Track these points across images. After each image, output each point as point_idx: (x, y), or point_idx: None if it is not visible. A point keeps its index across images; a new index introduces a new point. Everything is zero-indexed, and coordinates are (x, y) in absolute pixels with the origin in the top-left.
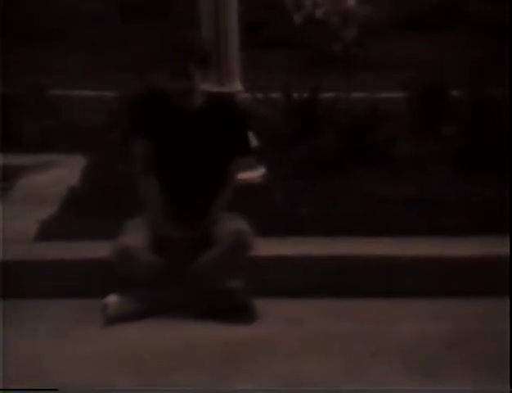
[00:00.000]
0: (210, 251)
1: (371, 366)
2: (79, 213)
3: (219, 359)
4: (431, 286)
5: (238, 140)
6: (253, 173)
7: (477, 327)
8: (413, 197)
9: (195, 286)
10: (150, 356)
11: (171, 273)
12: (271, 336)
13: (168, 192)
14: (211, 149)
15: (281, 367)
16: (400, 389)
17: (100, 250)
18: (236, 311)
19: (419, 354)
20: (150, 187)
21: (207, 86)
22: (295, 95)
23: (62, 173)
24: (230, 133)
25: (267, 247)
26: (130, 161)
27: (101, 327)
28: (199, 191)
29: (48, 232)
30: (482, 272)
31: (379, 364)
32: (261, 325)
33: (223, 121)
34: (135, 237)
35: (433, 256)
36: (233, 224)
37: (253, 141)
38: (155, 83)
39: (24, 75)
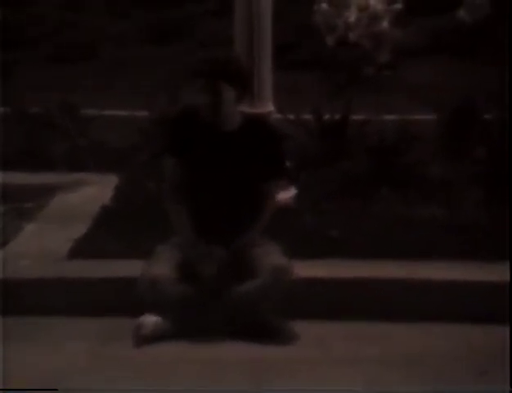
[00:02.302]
0: (250, 283)
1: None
2: (111, 232)
3: (244, 379)
4: (459, 311)
5: (274, 162)
6: (285, 194)
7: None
8: (443, 221)
9: (233, 315)
10: (179, 374)
11: (203, 300)
12: (298, 358)
13: (199, 216)
14: (246, 171)
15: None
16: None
17: (130, 269)
18: (270, 332)
19: (448, 378)
20: (179, 212)
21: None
22: (326, 117)
23: (93, 191)
24: (266, 155)
25: (295, 269)
26: (161, 181)
27: (133, 346)
28: (233, 215)
29: (80, 250)
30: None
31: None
32: (289, 347)
33: (259, 143)
34: (163, 266)
35: (462, 280)
36: (272, 257)
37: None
38: (188, 102)
39: (56, 95)
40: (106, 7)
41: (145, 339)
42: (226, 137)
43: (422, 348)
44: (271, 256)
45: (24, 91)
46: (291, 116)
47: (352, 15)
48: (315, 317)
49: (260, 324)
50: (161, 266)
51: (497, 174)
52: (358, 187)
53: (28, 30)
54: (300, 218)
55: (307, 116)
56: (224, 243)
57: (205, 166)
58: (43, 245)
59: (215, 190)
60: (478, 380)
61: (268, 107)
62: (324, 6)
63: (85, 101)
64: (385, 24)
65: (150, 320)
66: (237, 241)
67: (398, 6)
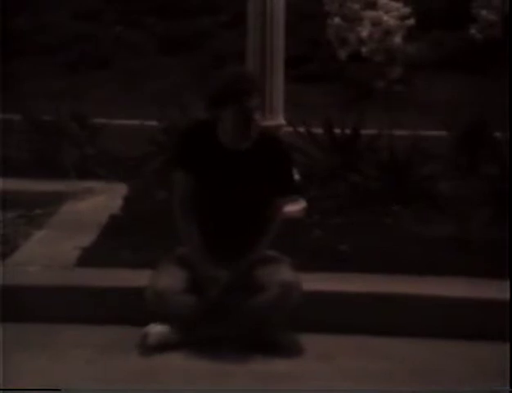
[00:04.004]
0: (257, 299)
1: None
2: (119, 241)
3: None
4: (468, 328)
5: (284, 179)
6: (295, 207)
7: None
8: (453, 237)
9: (240, 329)
10: (185, 382)
11: (209, 313)
12: (304, 372)
13: (208, 230)
14: (257, 188)
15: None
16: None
17: (138, 278)
18: (278, 345)
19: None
20: (188, 226)
21: None
22: (337, 131)
23: (102, 200)
24: (276, 172)
25: (304, 283)
26: (170, 192)
27: (140, 355)
28: (242, 229)
29: (87, 258)
30: None
31: None
32: (296, 360)
33: (270, 160)
34: (171, 277)
35: (471, 298)
36: (281, 273)
37: (295, 175)
38: (197, 113)
39: (67, 104)
40: (120, 17)
41: (150, 348)
42: (239, 154)
43: (428, 364)
44: (279, 271)
45: (35, 99)
46: (302, 129)
47: (364, 30)
48: (322, 330)
49: (266, 337)
50: (168, 277)
51: (508, 192)
52: (368, 201)
53: (40, 39)
54: (309, 231)
55: (318, 130)
56: (232, 259)
57: (216, 182)
58: (52, 252)
59: (225, 205)
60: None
61: (279, 120)
62: (337, 20)
63: (96, 111)
64: (398, 39)
65: (156, 330)
66: (244, 259)
67: (411, 21)
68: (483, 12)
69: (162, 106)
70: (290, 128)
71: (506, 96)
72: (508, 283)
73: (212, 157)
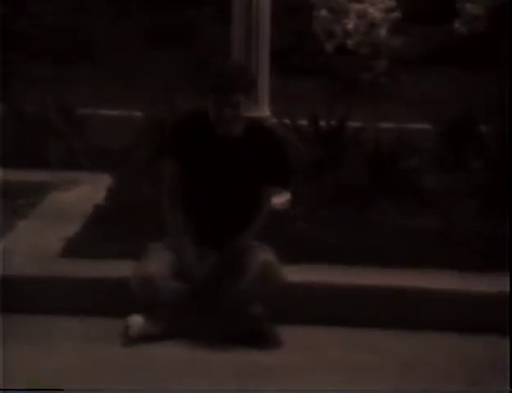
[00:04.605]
0: (237, 282)
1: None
2: (103, 231)
3: (235, 383)
4: (453, 320)
5: (274, 167)
6: (279, 198)
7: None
8: (438, 231)
9: (222, 313)
10: (165, 375)
11: (195, 299)
12: (288, 363)
13: (195, 218)
14: (246, 175)
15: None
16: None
17: (122, 269)
18: (258, 337)
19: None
20: (175, 214)
21: None
22: (322, 123)
23: (87, 191)
24: (266, 159)
25: (289, 274)
26: (156, 182)
27: (121, 346)
28: (229, 218)
29: (72, 249)
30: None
31: None
32: (279, 352)
33: (263, 149)
34: (157, 264)
35: (458, 291)
36: (261, 255)
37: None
38: (185, 104)
39: (53, 94)
40: (106, 8)
41: (131, 339)
42: (230, 142)
43: (416, 357)
44: (259, 253)
45: (21, 90)
46: (287, 121)
47: (350, 23)
48: (307, 322)
49: (250, 328)
50: (157, 263)
51: (494, 186)
52: (353, 194)
53: (27, 30)
54: (294, 223)
55: (304, 122)
56: (219, 246)
57: (206, 170)
58: (35, 242)
59: (213, 192)
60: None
61: (265, 111)
62: (323, 12)
63: (82, 102)
64: (383, 32)
65: (137, 320)
66: (231, 244)
67: (396, 14)
68: (468, 6)
69: (148, 97)
70: (275, 120)
71: (492, 89)
72: (494, 277)
73: (202, 145)
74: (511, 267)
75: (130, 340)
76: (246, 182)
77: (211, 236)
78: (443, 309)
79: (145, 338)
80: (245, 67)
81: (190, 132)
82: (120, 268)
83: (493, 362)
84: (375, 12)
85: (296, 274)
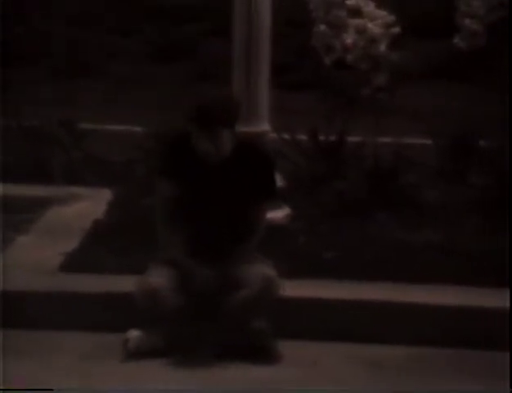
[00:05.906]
0: (238, 295)
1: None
2: (103, 246)
3: None
4: (454, 336)
5: (264, 184)
6: (279, 213)
7: None
8: (437, 245)
9: (222, 327)
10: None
11: (196, 313)
12: (288, 378)
13: (191, 237)
14: (237, 193)
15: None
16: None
17: (122, 284)
18: (258, 351)
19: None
20: (171, 233)
21: None
22: (322, 138)
23: (87, 206)
24: (257, 179)
25: (288, 289)
26: (155, 202)
27: (121, 362)
28: (226, 234)
29: (72, 264)
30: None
31: None
32: (278, 366)
33: (250, 168)
34: (162, 277)
35: (456, 306)
36: (261, 269)
37: (278, 181)
38: (182, 125)
39: (55, 109)
40: (108, 25)
41: (130, 354)
42: (219, 164)
43: (417, 371)
44: (258, 267)
45: (22, 105)
46: (287, 136)
47: (349, 37)
48: (306, 337)
49: (248, 342)
50: (160, 277)
51: (494, 200)
52: (353, 208)
53: (30, 45)
54: (294, 238)
55: (303, 137)
56: (216, 264)
57: (198, 190)
58: (36, 257)
59: (207, 214)
60: None
61: (264, 126)
62: (322, 27)
63: (83, 116)
64: (382, 47)
65: (136, 335)
66: (227, 262)
67: (396, 29)
68: (467, 21)
69: (149, 113)
70: (275, 135)
71: (491, 104)
72: (493, 291)
73: (192, 167)
74: (511, 282)
75: (129, 354)
76: (237, 200)
77: (208, 256)
78: (443, 323)
79: (145, 353)
80: (230, 99)
81: (180, 153)
82: (120, 283)
83: (492, 375)
84: (374, 28)
85: (296, 289)
